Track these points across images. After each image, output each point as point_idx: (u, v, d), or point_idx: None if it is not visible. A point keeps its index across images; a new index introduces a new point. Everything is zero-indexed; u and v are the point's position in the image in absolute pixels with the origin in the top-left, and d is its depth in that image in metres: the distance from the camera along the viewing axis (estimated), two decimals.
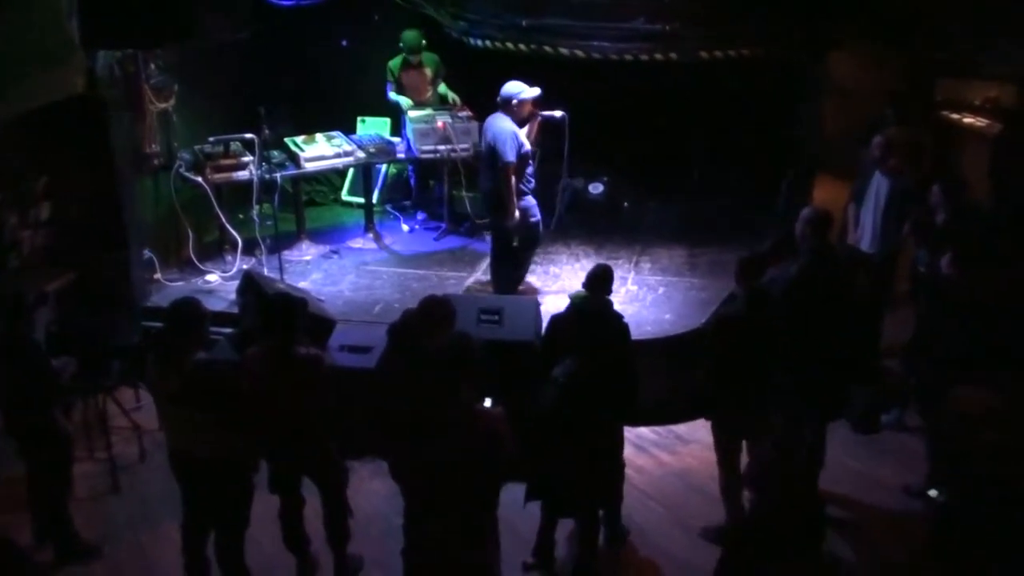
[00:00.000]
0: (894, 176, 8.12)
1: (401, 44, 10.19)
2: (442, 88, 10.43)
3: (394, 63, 10.33)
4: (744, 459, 6.25)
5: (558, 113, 8.45)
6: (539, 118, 8.48)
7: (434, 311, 5.87)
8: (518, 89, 8.30)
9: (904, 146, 8.43)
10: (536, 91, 8.35)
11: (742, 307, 6.28)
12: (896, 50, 9.27)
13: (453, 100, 10.37)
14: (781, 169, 9.84)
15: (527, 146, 8.33)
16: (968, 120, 9.37)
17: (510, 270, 8.73)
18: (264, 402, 5.60)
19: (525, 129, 8.39)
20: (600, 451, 5.76)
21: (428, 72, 10.39)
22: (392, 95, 10.41)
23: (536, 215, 8.57)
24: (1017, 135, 8.44)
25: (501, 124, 8.25)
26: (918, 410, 7.27)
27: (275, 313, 5.75)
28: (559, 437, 5.54)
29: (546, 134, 8.81)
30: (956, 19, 8.69)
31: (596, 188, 10.61)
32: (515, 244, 8.56)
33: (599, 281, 6.31)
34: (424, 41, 10.20)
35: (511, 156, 8.14)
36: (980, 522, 4.40)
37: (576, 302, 6.28)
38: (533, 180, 8.52)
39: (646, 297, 8.77)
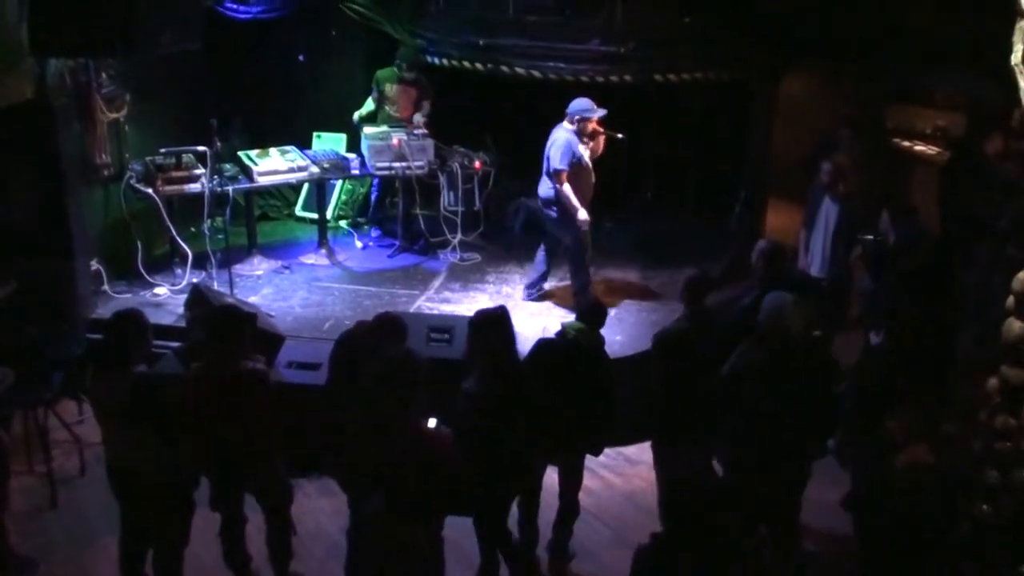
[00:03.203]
0: (843, 201, 8.20)
1: (397, 59, 10.12)
2: (419, 113, 10.28)
3: (383, 73, 10.24)
4: None
5: (619, 135, 8.62)
6: (603, 135, 8.65)
7: (386, 327, 5.85)
8: (581, 107, 8.52)
9: (854, 171, 8.53)
10: (601, 112, 8.53)
11: (685, 324, 6.32)
12: (847, 76, 9.41)
13: (425, 123, 10.24)
14: (734, 190, 9.91)
15: (585, 157, 8.56)
16: (919, 148, 9.52)
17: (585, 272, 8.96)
18: (208, 417, 5.53)
19: (587, 144, 8.62)
20: (514, 467, 5.73)
21: (414, 92, 10.29)
22: (370, 101, 10.34)
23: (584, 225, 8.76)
24: (965, 163, 8.56)
25: (557, 133, 8.58)
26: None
27: (221, 326, 5.68)
28: (471, 450, 5.47)
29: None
30: (906, 47, 8.81)
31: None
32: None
33: (596, 315, 6.32)
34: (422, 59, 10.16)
35: (560, 163, 8.42)
36: (902, 547, 4.47)
37: (569, 332, 6.21)
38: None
39: None
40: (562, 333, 6.22)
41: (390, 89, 10.23)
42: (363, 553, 4.93)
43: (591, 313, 6.34)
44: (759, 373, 5.61)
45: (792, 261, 8.48)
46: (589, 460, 6.89)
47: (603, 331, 6.37)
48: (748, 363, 5.69)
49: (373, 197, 10.91)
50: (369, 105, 10.32)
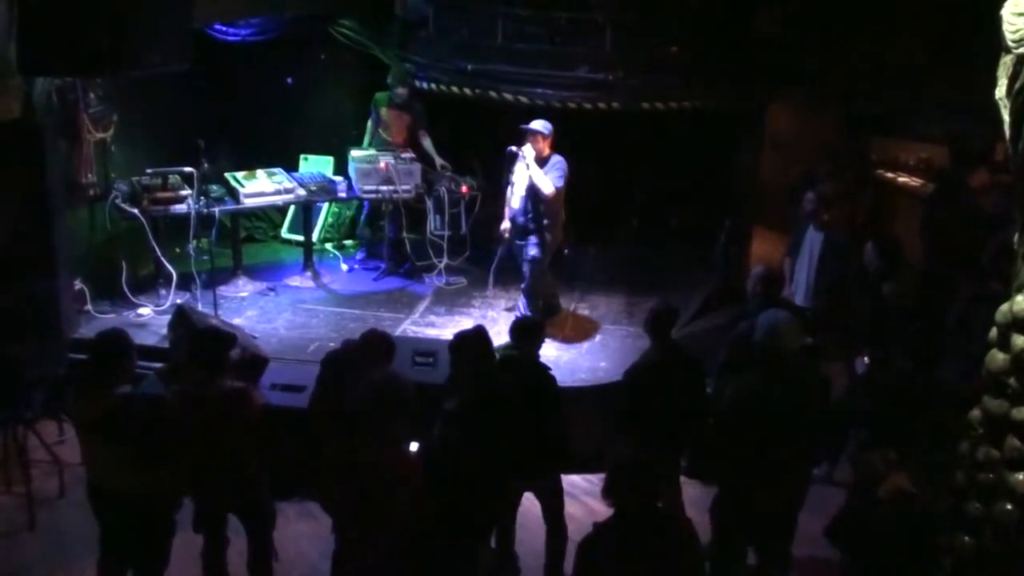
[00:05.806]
0: (827, 231, 8.24)
1: (389, 79, 10.11)
2: (427, 143, 10.30)
3: (381, 96, 10.25)
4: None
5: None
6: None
7: (373, 344, 5.83)
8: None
9: (838, 201, 8.58)
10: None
11: (654, 356, 6.32)
12: (833, 107, 9.49)
13: (442, 165, 10.19)
14: (719, 218, 9.97)
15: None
16: (902, 179, 9.60)
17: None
18: (190, 437, 5.49)
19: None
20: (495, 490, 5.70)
21: (407, 117, 10.27)
22: (370, 124, 10.36)
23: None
24: (948, 195, 8.63)
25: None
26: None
27: (203, 347, 5.66)
28: (447, 469, 5.44)
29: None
30: (890, 80, 8.90)
31: None
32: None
33: (524, 334, 6.23)
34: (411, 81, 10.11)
35: None
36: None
37: (502, 355, 6.17)
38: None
39: (583, 344, 8.78)
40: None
41: (385, 113, 10.26)
42: None
43: (515, 331, 6.27)
44: (755, 392, 5.59)
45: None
46: (572, 486, 6.88)
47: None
48: (747, 384, 5.67)
49: (362, 219, 10.92)
50: (369, 129, 10.36)
